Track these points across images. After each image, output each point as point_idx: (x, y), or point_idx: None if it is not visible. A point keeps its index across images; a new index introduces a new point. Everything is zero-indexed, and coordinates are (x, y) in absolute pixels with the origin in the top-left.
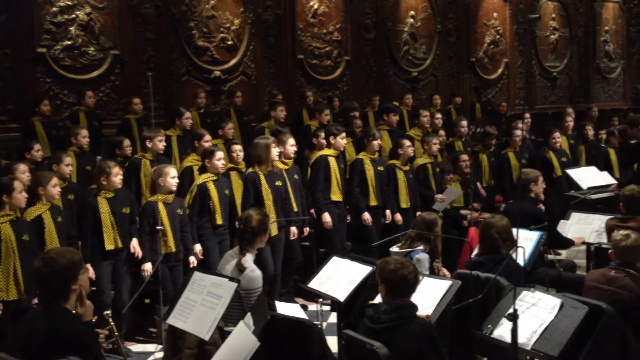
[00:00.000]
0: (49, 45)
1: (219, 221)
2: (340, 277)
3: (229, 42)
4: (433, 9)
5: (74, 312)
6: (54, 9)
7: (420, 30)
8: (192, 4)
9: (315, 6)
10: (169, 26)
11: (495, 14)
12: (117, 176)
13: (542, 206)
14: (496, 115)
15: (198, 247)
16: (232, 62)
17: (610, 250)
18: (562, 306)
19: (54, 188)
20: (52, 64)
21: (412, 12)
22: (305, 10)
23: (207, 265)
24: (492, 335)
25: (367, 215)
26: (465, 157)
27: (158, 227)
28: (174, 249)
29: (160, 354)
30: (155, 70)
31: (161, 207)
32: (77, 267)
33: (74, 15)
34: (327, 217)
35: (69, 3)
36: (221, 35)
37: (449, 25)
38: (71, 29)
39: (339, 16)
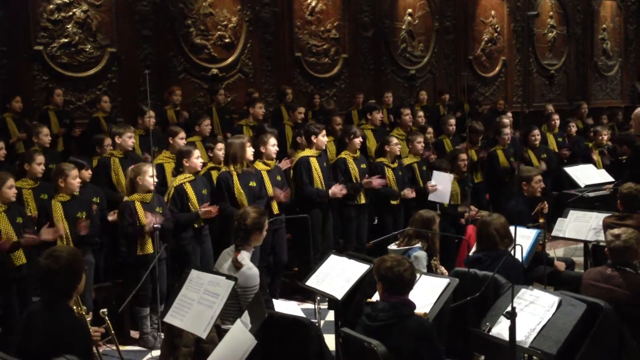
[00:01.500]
0: (46, 42)
1: (200, 222)
2: (337, 275)
3: (227, 40)
4: (431, 7)
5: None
6: (51, 6)
7: (418, 28)
8: (189, 2)
9: (313, 4)
10: (166, 24)
11: (493, 12)
12: (75, 179)
13: (546, 205)
14: (495, 113)
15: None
16: (230, 59)
17: (606, 249)
18: (560, 304)
19: (10, 190)
20: (49, 62)
21: (409, 10)
22: (302, 7)
23: (205, 265)
24: (490, 333)
25: (336, 188)
26: (464, 156)
27: (155, 226)
28: (151, 251)
29: (157, 352)
30: (152, 68)
31: (139, 207)
32: (82, 264)
33: (71, 13)
34: (335, 189)
35: (66, 1)
36: (219, 32)
37: (446, 23)
38: (68, 26)
39: (336, 14)
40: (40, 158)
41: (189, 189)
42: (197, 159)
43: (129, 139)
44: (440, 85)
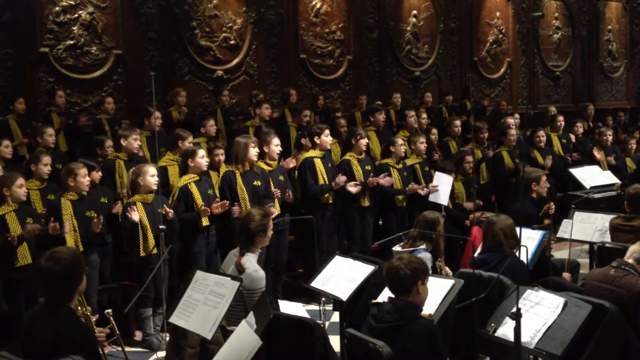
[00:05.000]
0: (51, 44)
1: (205, 222)
2: (342, 276)
3: (232, 42)
4: (436, 8)
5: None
6: (57, 8)
7: (422, 30)
8: (194, 4)
9: (318, 5)
10: (171, 26)
11: (498, 13)
12: (84, 178)
13: (553, 205)
14: (499, 114)
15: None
16: (235, 61)
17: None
18: (565, 305)
19: (20, 189)
20: (54, 64)
21: (414, 12)
22: (307, 9)
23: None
24: (495, 334)
25: (350, 187)
26: (470, 158)
27: (160, 227)
28: (154, 252)
29: (163, 353)
30: (157, 70)
31: (140, 208)
32: (83, 265)
33: (76, 15)
34: (340, 179)
35: (72, 3)
36: (224, 34)
37: (451, 25)
38: (74, 28)
39: (341, 15)
40: (46, 159)
41: (193, 189)
42: (201, 158)
43: (135, 142)
44: (446, 86)
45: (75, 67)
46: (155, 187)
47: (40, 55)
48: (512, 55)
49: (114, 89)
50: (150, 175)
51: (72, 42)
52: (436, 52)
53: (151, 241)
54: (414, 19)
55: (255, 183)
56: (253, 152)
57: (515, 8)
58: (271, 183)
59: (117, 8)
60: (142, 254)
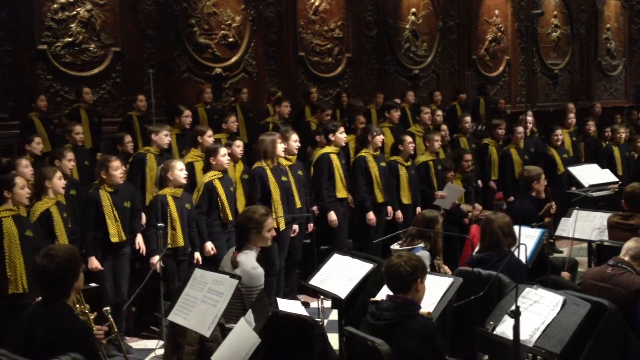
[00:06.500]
0: (49, 42)
1: (230, 217)
2: (341, 274)
3: (230, 39)
4: (434, 6)
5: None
6: (55, 5)
7: (421, 28)
8: (193, 1)
9: (317, 3)
10: (170, 23)
11: (496, 11)
12: (117, 170)
13: (554, 205)
14: (497, 112)
15: (209, 245)
16: (233, 59)
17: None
18: (564, 303)
19: (60, 181)
20: (53, 61)
21: (413, 10)
22: (306, 7)
23: (216, 263)
24: (494, 333)
25: (372, 215)
26: (469, 156)
27: (159, 225)
28: (182, 244)
29: (161, 351)
30: (156, 67)
31: (170, 201)
32: (79, 263)
33: (74, 12)
34: (332, 216)
35: (70, 0)
36: (222, 32)
37: (450, 23)
38: (72, 25)
39: (340, 13)
40: (70, 155)
41: (218, 186)
42: (223, 156)
43: (165, 137)
44: (444, 84)
45: (73, 64)
46: (184, 181)
47: (39, 52)
48: (510, 53)
49: (112, 86)
50: (179, 170)
51: (70, 39)
52: (435, 50)
53: (179, 235)
54: (413, 17)
55: (283, 178)
56: (280, 147)
57: (514, 6)
58: (290, 177)
59: (116, 5)
60: (169, 245)
